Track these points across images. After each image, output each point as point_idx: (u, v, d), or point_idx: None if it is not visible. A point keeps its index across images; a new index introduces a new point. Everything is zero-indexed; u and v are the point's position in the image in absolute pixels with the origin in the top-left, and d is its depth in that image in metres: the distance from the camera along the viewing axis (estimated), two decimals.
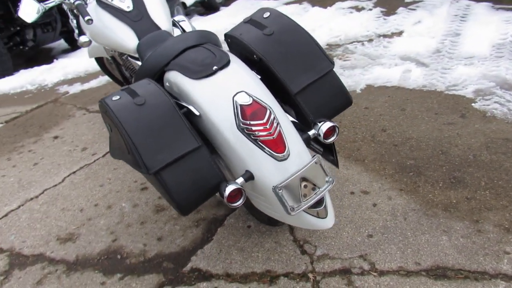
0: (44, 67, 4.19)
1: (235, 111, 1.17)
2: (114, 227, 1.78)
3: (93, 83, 3.73)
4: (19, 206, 2.05)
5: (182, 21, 2.22)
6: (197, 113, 1.25)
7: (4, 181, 2.30)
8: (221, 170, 1.18)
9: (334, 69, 1.33)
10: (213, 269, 1.48)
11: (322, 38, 3.78)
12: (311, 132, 1.24)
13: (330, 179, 1.17)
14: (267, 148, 1.13)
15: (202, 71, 1.25)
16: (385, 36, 3.61)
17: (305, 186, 1.14)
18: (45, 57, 4.75)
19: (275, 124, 1.15)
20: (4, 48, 4.09)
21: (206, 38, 1.50)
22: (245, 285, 1.40)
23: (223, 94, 1.20)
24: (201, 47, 1.39)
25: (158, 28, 1.86)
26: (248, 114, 1.14)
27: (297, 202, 1.13)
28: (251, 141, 1.14)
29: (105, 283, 1.51)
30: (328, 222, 1.17)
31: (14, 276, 1.61)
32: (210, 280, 1.44)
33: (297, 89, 1.26)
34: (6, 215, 2.00)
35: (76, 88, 3.71)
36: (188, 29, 2.18)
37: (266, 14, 1.44)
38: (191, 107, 1.27)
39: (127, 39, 1.86)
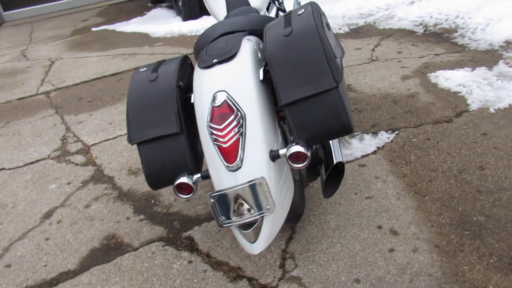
0: None
1: (209, 109, 1.16)
2: None
3: None
4: (125, 134, 2.52)
5: None
6: (192, 100, 1.29)
7: None
8: (194, 162, 1.22)
9: (338, 88, 1.13)
10: (201, 245, 1.58)
11: (503, 32, 3.01)
12: (282, 151, 1.13)
13: (269, 207, 1.07)
14: (220, 154, 1.11)
15: (206, 61, 1.26)
16: None
17: (241, 204, 1.08)
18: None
19: (233, 133, 1.10)
20: None
21: (251, 25, 1.47)
22: (213, 270, 1.45)
23: (208, 89, 1.19)
24: (231, 35, 1.38)
25: (247, 3, 1.88)
26: (213, 116, 1.13)
27: (228, 216, 1.09)
28: (212, 142, 1.13)
29: (129, 219, 1.79)
30: (254, 248, 1.10)
31: (88, 187, 2.06)
32: (192, 253, 1.55)
33: (286, 101, 1.14)
34: (115, 137, 2.50)
35: None
36: (289, 6, 2.11)
37: (301, 11, 1.30)
38: (192, 94, 1.31)
39: (220, 10, 1.95)
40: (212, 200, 1.09)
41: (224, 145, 1.10)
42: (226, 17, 1.87)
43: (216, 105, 1.13)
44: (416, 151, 1.91)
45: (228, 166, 1.10)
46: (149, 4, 6.35)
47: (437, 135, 2.01)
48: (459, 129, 2.02)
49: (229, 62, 1.23)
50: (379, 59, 2.99)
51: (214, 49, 1.29)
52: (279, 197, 1.13)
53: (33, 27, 6.06)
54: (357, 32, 3.66)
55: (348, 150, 2.00)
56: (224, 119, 1.11)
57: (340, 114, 1.13)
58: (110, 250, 1.63)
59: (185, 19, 4.90)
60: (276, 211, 1.11)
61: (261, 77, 1.23)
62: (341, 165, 1.34)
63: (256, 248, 1.10)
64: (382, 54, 3.08)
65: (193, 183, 1.16)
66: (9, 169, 2.32)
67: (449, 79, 2.49)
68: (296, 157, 1.10)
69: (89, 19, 6.04)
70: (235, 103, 1.14)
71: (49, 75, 3.79)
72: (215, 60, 1.24)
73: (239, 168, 1.09)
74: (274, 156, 1.13)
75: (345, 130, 1.15)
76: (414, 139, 2.00)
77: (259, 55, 1.32)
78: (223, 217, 1.10)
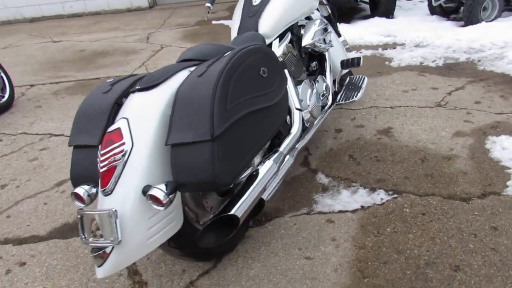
0: None
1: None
2: None
3: (354, 55, 3.78)
4: None
5: (312, 23, 2.03)
6: None
7: None
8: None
9: (214, 142, 1.09)
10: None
11: None
12: (151, 189, 1.14)
13: (113, 239, 1.10)
14: (99, 177, 1.18)
15: (135, 86, 1.33)
16: None
17: (97, 229, 1.14)
18: (347, 16, 5.06)
19: (109, 160, 1.15)
20: None
21: (211, 55, 1.48)
22: (127, 277, 1.55)
23: (120, 114, 1.27)
24: (178, 64, 1.41)
25: (256, 29, 1.86)
26: (103, 140, 1.20)
27: (89, 235, 1.16)
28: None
29: None
30: (98, 272, 1.14)
31: None
32: None
33: (170, 142, 1.15)
34: None
35: None
36: (307, 32, 2.00)
37: (228, 53, 1.26)
38: None
39: (233, 30, 1.99)
40: (78, 216, 1.18)
41: (101, 170, 1.16)
42: (234, 39, 1.90)
43: (108, 130, 1.20)
44: (397, 224, 1.65)
45: (102, 190, 1.16)
46: None
47: (438, 212, 1.69)
48: (468, 213, 1.66)
49: (147, 91, 1.28)
50: (447, 106, 2.58)
51: (149, 75, 1.35)
52: (139, 233, 1.15)
53: (173, 13, 6.85)
54: (449, 69, 3.19)
55: (332, 200, 1.84)
56: (108, 145, 1.17)
57: (205, 168, 1.09)
58: (75, 229, 1.86)
59: None
60: (129, 245, 1.14)
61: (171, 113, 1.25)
62: (236, 220, 1.27)
63: (99, 272, 1.15)
64: (455, 100, 2.65)
65: (88, 195, 1.26)
66: (67, 136, 2.77)
67: (507, 149, 2.03)
68: (154, 199, 1.11)
69: (218, 11, 6.54)
70: (129, 133, 1.19)
71: (151, 59, 4.30)
72: (137, 87, 1.30)
73: (109, 194, 1.15)
74: (146, 193, 1.15)
75: (209, 185, 1.11)
76: (408, 209, 1.73)
77: None
78: (85, 235, 1.18)
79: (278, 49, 1.87)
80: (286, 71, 1.85)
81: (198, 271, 1.54)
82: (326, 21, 2.12)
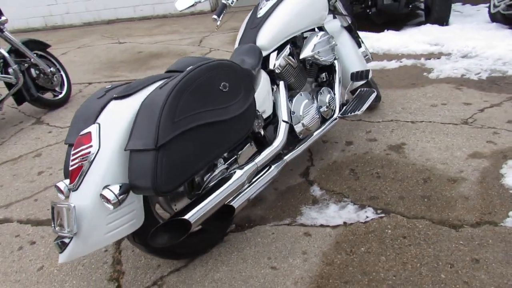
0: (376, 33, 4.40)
1: None
2: None
3: (393, 64, 3.66)
4: None
5: (314, 35, 2.03)
6: None
7: None
8: None
9: (159, 151, 1.18)
10: (127, 242, 1.83)
11: None
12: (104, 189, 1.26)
13: (70, 230, 1.24)
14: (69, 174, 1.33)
15: (114, 94, 1.46)
16: None
17: (62, 220, 1.28)
18: (398, 23, 4.85)
19: (77, 160, 1.30)
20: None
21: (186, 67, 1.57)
22: (110, 265, 1.70)
23: (97, 119, 1.41)
24: (162, 74, 1.53)
25: (254, 41, 1.92)
26: (75, 141, 1.34)
27: (56, 225, 1.31)
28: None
29: None
30: (60, 257, 1.28)
31: None
32: (116, 245, 1.81)
33: (127, 148, 1.27)
34: None
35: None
36: (307, 44, 2.00)
37: (190, 68, 1.34)
38: None
39: (237, 41, 2.06)
40: (52, 208, 1.34)
41: (70, 168, 1.31)
42: (234, 50, 1.97)
43: (81, 133, 1.34)
44: (374, 245, 1.61)
45: (70, 186, 1.31)
46: None
47: (420, 237, 1.61)
48: (453, 241, 1.57)
49: (121, 100, 1.41)
50: (473, 124, 2.41)
51: (128, 85, 1.48)
52: (97, 228, 1.28)
53: (232, 17, 7.06)
54: (492, 83, 2.95)
55: (317, 213, 1.84)
56: (78, 146, 1.32)
57: (147, 175, 1.19)
58: None
59: None
60: (87, 237, 1.27)
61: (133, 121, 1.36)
62: (188, 225, 1.34)
63: (60, 258, 1.29)
64: (485, 118, 2.46)
65: (68, 189, 1.42)
66: None
67: None
68: (105, 198, 1.23)
69: None
70: (98, 137, 1.32)
71: None
72: (114, 95, 1.43)
73: (75, 190, 1.30)
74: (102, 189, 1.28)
75: (149, 190, 1.20)
76: (389, 231, 1.67)
77: None
78: (54, 224, 1.33)
79: (276, 61, 1.91)
80: (282, 83, 1.89)
81: (170, 267, 1.64)
82: (329, 34, 2.11)
